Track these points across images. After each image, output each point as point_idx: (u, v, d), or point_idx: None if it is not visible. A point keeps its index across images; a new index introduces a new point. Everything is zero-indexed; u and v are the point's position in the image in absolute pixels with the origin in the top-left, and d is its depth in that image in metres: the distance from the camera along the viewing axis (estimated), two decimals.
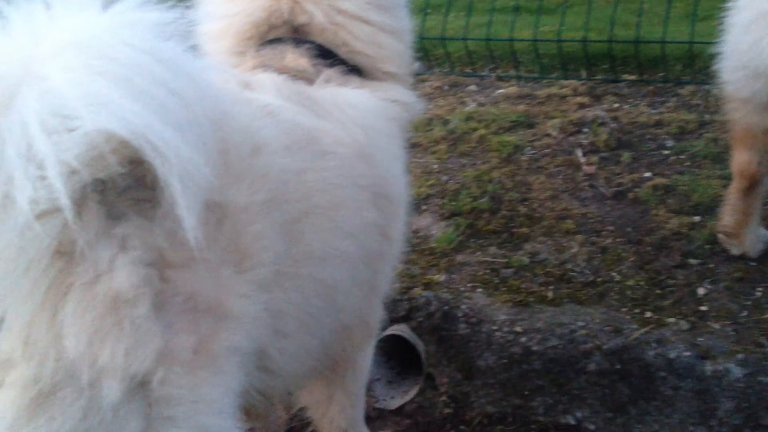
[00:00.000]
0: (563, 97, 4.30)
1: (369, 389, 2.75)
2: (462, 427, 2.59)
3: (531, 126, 3.94)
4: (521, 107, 4.17)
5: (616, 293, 2.80)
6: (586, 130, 3.84)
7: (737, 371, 2.41)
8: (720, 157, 3.40)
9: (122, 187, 1.18)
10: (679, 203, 3.20)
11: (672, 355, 2.49)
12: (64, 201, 1.05)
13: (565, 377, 2.57)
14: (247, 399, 1.62)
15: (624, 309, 2.73)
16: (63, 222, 1.10)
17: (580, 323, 2.66)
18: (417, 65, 4.89)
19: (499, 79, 4.68)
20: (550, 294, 2.82)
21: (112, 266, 1.15)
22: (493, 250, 3.08)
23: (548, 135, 3.83)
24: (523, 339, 2.66)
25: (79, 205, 1.12)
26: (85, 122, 1.07)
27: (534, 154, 3.69)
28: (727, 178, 2.97)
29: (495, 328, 2.71)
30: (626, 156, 3.58)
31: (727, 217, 2.88)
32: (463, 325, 2.75)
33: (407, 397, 2.71)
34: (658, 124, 3.87)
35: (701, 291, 2.75)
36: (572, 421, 2.52)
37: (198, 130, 1.19)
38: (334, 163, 1.72)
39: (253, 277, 1.41)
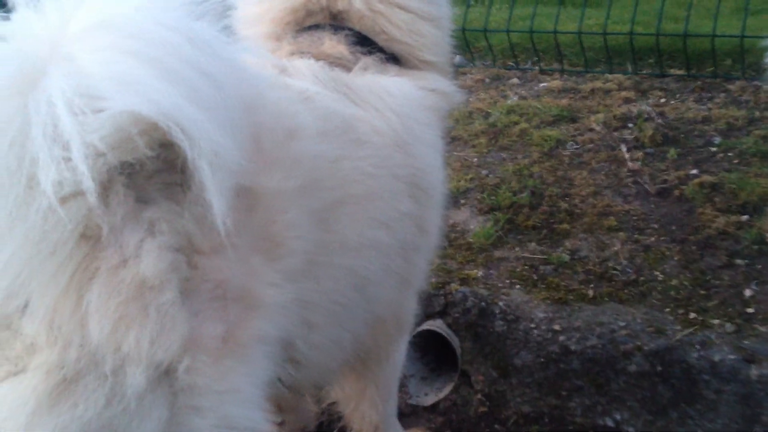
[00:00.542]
0: (608, 91, 4.20)
1: (402, 385, 2.71)
2: (497, 426, 2.54)
3: (574, 120, 3.86)
4: (564, 101, 4.08)
5: (659, 293, 2.72)
6: (631, 125, 3.75)
7: None
8: None
9: (152, 171, 1.15)
10: (726, 202, 3.10)
11: (716, 357, 2.41)
12: (88, 183, 1.02)
13: (604, 378, 2.50)
14: (274, 391, 1.59)
15: (667, 309, 2.65)
16: (89, 205, 1.07)
17: (621, 323, 2.59)
18: (458, 58, 4.83)
19: (542, 72, 4.59)
20: (590, 292, 2.75)
21: (139, 251, 1.12)
22: (532, 246, 3.01)
23: (592, 130, 3.74)
24: (562, 338, 2.59)
25: (105, 188, 1.10)
26: (112, 103, 1.04)
27: (576, 149, 3.60)
28: None
29: (533, 325, 2.65)
30: (672, 152, 3.48)
31: None
32: (500, 322, 2.69)
33: (441, 394, 2.66)
34: (706, 120, 3.76)
35: (748, 292, 2.66)
36: (611, 423, 2.45)
37: (229, 112, 1.16)
38: (370, 152, 1.68)
39: (284, 266, 1.37)
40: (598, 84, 4.30)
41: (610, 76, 4.40)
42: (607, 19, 4.61)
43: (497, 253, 3.00)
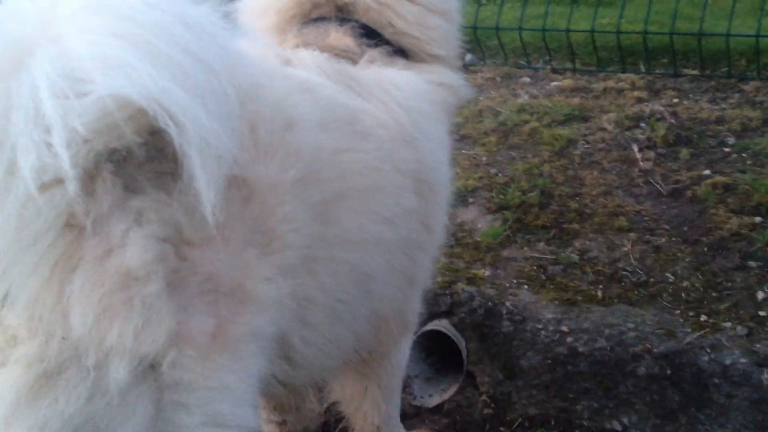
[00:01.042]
0: (620, 90, 4.15)
1: (406, 386, 2.66)
2: (502, 428, 2.49)
3: (585, 120, 3.81)
4: (576, 100, 4.03)
5: (670, 295, 2.67)
6: (643, 125, 3.69)
7: None
8: None
9: (141, 159, 1.11)
10: (739, 203, 3.04)
11: (727, 361, 2.35)
12: (68, 170, 0.98)
13: (612, 381, 2.45)
14: (269, 389, 1.55)
15: (677, 311, 2.59)
16: (75, 192, 1.03)
17: (630, 325, 2.53)
18: (469, 56, 4.78)
19: (554, 71, 4.54)
20: (599, 293, 2.70)
21: (125, 241, 1.08)
22: (541, 246, 2.96)
23: (603, 129, 3.69)
24: (570, 339, 2.54)
25: (91, 175, 1.06)
26: (97, 86, 1.00)
27: (588, 148, 3.55)
28: None
29: (540, 326, 2.60)
30: (685, 153, 3.42)
31: None
32: (506, 322, 2.64)
33: (446, 396, 2.61)
34: (720, 120, 3.70)
35: (760, 295, 2.60)
36: (618, 427, 2.40)
37: (222, 99, 1.11)
38: (374, 145, 1.64)
39: (280, 261, 1.33)
40: (611, 83, 4.24)
41: (622, 76, 4.35)
42: (620, 18, 4.55)
43: (505, 253, 2.95)
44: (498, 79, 4.52)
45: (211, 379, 1.17)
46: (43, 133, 0.98)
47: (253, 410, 1.28)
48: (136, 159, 1.10)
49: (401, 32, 1.94)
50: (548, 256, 2.89)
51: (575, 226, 3.03)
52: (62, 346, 1.06)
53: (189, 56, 1.07)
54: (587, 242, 2.94)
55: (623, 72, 4.41)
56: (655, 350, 2.44)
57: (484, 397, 2.57)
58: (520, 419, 2.50)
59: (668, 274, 2.75)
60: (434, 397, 2.63)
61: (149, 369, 1.11)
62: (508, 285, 2.79)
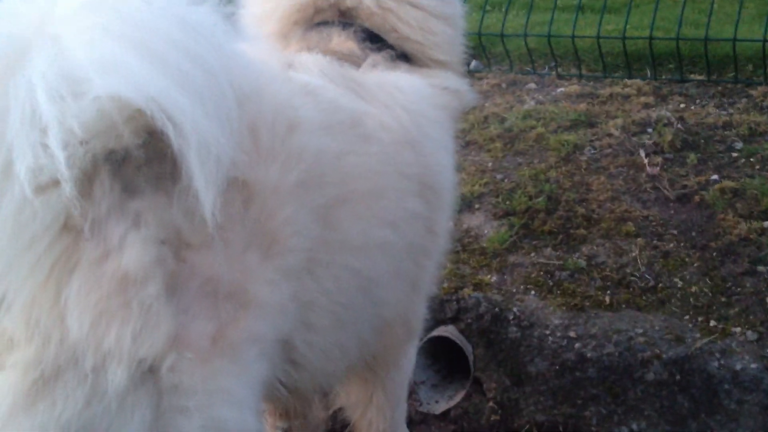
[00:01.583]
0: (627, 96, 4.13)
1: (412, 392, 2.64)
2: None
3: (592, 125, 3.79)
4: (582, 106, 4.01)
5: (679, 300, 2.64)
6: (650, 130, 3.67)
7: None
8: None
9: (141, 161, 1.10)
10: (747, 207, 3.02)
11: (737, 366, 2.33)
12: (64, 171, 0.97)
13: (621, 387, 2.42)
14: (274, 394, 1.53)
15: (686, 317, 2.57)
16: (72, 194, 1.02)
17: (639, 330, 2.51)
18: (474, 63, 4.78)
19: (560, 77, 4.53)
20: (607, 299, 2.68)
21: (123, 243, 1.07)
22: (548, 251, 2.94)
23: (610, 135, 3.67)
24: (577, 345, 2.52)
25: (89, 177, 1.04)
26: (94, 87, 0.99)
27: (594, 153, 3.53)
28: None
29: (547, 332, 2.58)
30: (692, 157, 3.40)
31: None
32: (513, 328, 2.62)
33: (453, 402, 2.59)
34: (727, 125, 3.67)
35: None
36: None
37: (221, 100, 1.10)
38: (378, 148, 1.62)
39: (282, 264, 1.31)
40: (617, 89, 4.23)
41: (628, 81, 4.33)
42: (626, 24, 4.54)
43: (512, 259, 2.93)
44: (503, 85, 4.51)
45: (211, 383, 1.15)
46: (40, 134, 0.97)
47: (255, 415, 1.26)
48: (135, 160, 1.09)
49: (404, 37, 1.93)
50: (555, 262, 2.87)
51: (582, 231, 3.01)
52: (59, 350, 1.05)
53: (188, 57, 1.07)
54: (594, 248, 2.92)
55: (629, 78, 4.39)
56: (664, 356, 2.42)
57: (491, 404, 2.54)
58: (527, 426, 2.47)
59: (677, 280, 2.73)
60: (441, 403, 2.61)
61: (148, 373, 1.09)
62: (514, 291, 2.77)
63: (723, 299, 2.61)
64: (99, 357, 1.05)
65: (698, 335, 2.46)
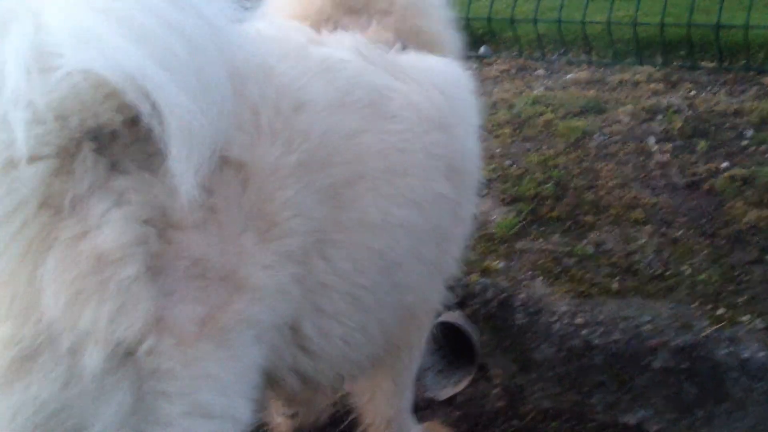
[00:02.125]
0: (637, 83, 4.10)
1: (418, 378, 2.63)
2: (515, 421, 2.45)
3: (601, 112, 3.76)
4: (591, 92, 3.98)
5: (687, 288, 2.63)
6: (660, 117, 3.65)
7: None
8: None
9: (129, 138, 1.07)
10: (757, 195, 2.99)
11: (745, 354, 2.31)
12: (21, 148, 0.95)
13: (627, 374, 2.41)
14: (286, 383, 1.50)
15: (694, 304, 2.55)
16: (49, 171, 1.00)
17: (646, 317, 2.50)
18: (483, 48, 4.75)
19: (569, 63, 4.50)
20: (614, 286, 2.66)
21: (102, 222, 1.04)
22: (555, 238, 2.92)
23: (619, 121, 3.64)
24: (584, 332, 2.50)
25: (71, 154, 1.02)
26: (67, 61, 0.96)
27: (603, 140, 3.51)
28: None
29: (554, 319, 2.57)
30: (702, 145, 3.37)
31: None
32: (520, 314, 2.61)
33: (458, 388, 2.58)
34: (738, 113, 3.64)
35: None
36: (633, 421, 2.36)
37: (209, 79, 1.07)
38: (401, 126, 1.59)
39: (281, 247, 1.28)
40: (627, 76, 4.19)
41: (639, 68, 4.30)
42: (637, 11, 4.50)
43: (519, 245, 2.91)
44: (513, 71, 4.48)
45: (195, 368, 1.13)
46: (12, 109, 0.96)
47: (245, 401, 1.24)
48: (123, 138, 1.07)
49: (428, 40, 1.91)
50: (563, 248, 2.86)
51: (590, 218, 2.99)
52: (37, 329, 1.02)
53: (173, 33, 1.03)
54: (603, 234, 2.90)
55: (640, 64, 4.36)
56: (671, 343, 2.40)
57: (497, 390, 2.53)
58: (533, 412, 2.46)
59: (685, 267, 2.71)
60: (447, 389, 2.60)
61: (126, 356, 1.06)
62: (522, 277, 2.75)
63: (731, 287, 2.59)
64: (75, 337, 1.03)
65: (706, 323, 2.45)
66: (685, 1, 4.67)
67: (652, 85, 4.03)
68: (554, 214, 3.03)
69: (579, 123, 3.63)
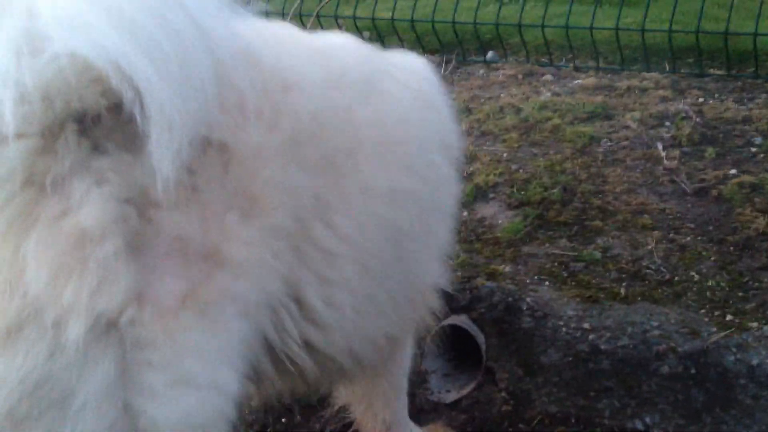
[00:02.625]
0: (644, 89, 4.09)
1: (423, 381, 2.62)
2: (521, 425, 2.44)
3: (609, 117, 3.75)
4: (599, 98, 3.98)
5: (695, 294, 2.61)
6: (668, 123, 3.64)
7: None
8: None
9: (113, 120, 1.09)
10: (766, 202, 2.98)
11: (754, 361, 2.29)
12: (7, 124, 0.99)
13: (635, 379, 2.40)
14: (301, 360, 1.48)
15: (702, 311, 2.54)
16: (33, 149, 1.03)
17: (654, 323, 2.48)
18: (490, 53, 4.75)
19: (577, 69, 4.49)
20: (622, 291, 2.65)
21: (83, 200, 1.07)
22: (562, 242, 2.91)
23: (627, 127, 3.63)
24: (592, 336, 2.49)
25: (54, 134, 1.05)
26: (54, 45, 0.99)
27: (611, 146, 3.50)
28: None
29: (561, 323, 2.55)
30: (710, 152, 3.36)
31: None
32: (527, 318, 2.59)
33: (464, 391, 2.56)
34: (747, 120, 3.63)
35: None
36: (641, 427, 2.34)
37: (191, 67, 1.09)
38: (397, 104, 1.64)
39: (266, 223, 1.29)
40: (635, 82, 4.19)
41: (646, 75, 4.29)
42: (645, 17, 4.50)
43: (526, 249, 2.90)
44: (520, 76, 4.48)
45: (177, 339, 1.15)
46: (2, 88, 0.99)
47: (231, 372, 1.24)
48: (106, 122, 1.09)
49: None
50: (570, 253, 2.84)
51: (598, 223, 2.98)
52: (23, 303, 1.05)
53: (159, 23, 1.06)
54: (610, 240, 2.89)
55: (648, 71, 4.35)
56: (679, 349, 2.39)
57: (502, 394, 2.51)
58: (539, 416, 2.44)
59: (693, 273, 2.70)
60: (452, 392, 2.58)
61: (109, 327, 1.09)
62: (528, 281, 2.74)
63: (740, 293, 2.57)
64: (59, 311, 1.05)
65: (714, 329, 2.43)
66: (694, 8, 4.67)
67: (660, 92, 4.03)
68: (561, 218, 3.02)
69: (586, 128, 3.62)
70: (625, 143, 3.50)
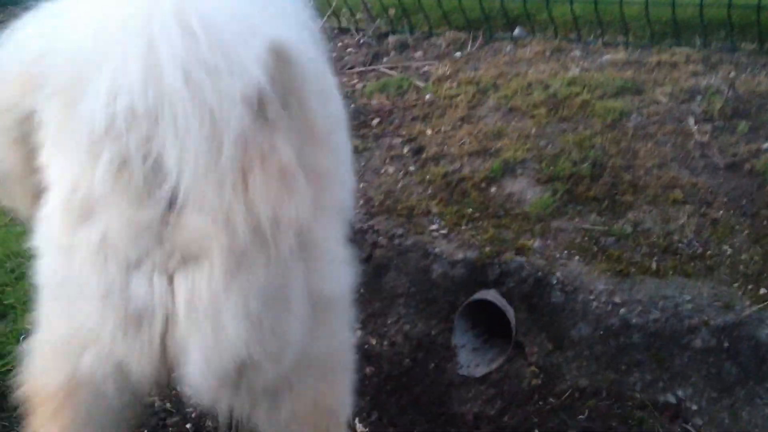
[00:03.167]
0: (675, 64, 4.02)
1: (453, 355, 2.62)
2: (551, 399, 2.42)
3: (639, 92, 3.70)
4: (629, 73, 3.91)
5: (727, 267, 2.58)
6: (699, 98, 3.57)
7: None
8: None
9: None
10: None
11: None
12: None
13: (666, 353, 2.37)
14: None
15: (735, 284, 2.50)
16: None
17: (686, 297, 2.45)
18: (517, 30, 4.70)
19: (606, 45, 4.42)
20: (653, 265, 2.62)
21: (274, 147, 1.32)
22: (592, 217, 2.88)
23: (657, 102, 3.58)
24: (622, 310, 2.47)
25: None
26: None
27: (641, 120, 3.45)
28: None
29: (592, 297, 2.53)
30: (743, 126, 3.30)
31: None
32: (557, 293, 2.57)
33: (493, 366, 2.56)
34: None
35: None
36: (672, 400, 2.32)
37: None
38: None
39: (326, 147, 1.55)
40: (665, 57, 4.11)
41: (677, 50, 4.21)
42: None
43: (555, 224, 2.88)
44: (548, 53, 4.41)
45: (326, 234, 1.51)
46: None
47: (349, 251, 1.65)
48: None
49: None
50: (600, 228, 2.82)
51: (628, 197, 2.94)
52: (246, 228, 1.28)
53: None
54: (641, 214, 2.86)
55: (678, 46, 4.28)
56: (711, 323, 2.36)
57: (532, 368, 2.50)
58: (569, 390, 2.43)
59: (726, 247, 2.66)
60: (481, 367, 2.57)
61: (301, 234, 1.37)
62: (558, 256, 2.72)
63: None
64: (276, 230, 1.31)
65: (747, 303, 2.40)
66: None
67: (690, 67, 3.95)
68: (591, 193, 2.99)
69: (616, 104, 3.57)
70: (656, 118, 3.45)
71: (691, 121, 3.38)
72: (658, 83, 3.78)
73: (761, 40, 4.18)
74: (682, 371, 2.34)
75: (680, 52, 4.18)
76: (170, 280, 1.31)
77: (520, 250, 2.75)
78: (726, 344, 2.32)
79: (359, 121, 3.80)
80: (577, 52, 4.37)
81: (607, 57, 4.21)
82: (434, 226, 2.96)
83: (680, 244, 2.70)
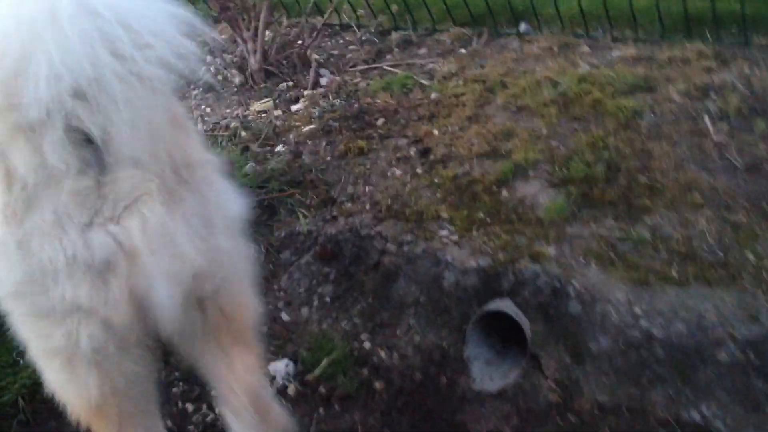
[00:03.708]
0: (686, 60, 3.90)
1: (465, 368, 2.51)
2: (570, 416, 2.33)
3: (651, 90, 3.59)
4: (640, 70, 3.80)
5: (751, 275, 2.47)
6: (713, 95, 3.47)
7: None
8: None
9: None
10: None
11: None
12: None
13: (690, 367, 2.27)
14: None
15: (761, 293, 2.40)
16: None
17: (710, 307, 2.35)
18: (523, 25, 4.58)
19: (615, 40, 4.31)
20: (674, 273, 2.51)
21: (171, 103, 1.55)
22: (608, 222, 2.78)
23: (671, 100, 3.47)
24: (644, 322, 2.36)
25: None
26: None
27: (655, 120, 3.34)
28: None
29: (611, 308, 2.43)
30: (761, 124, 3.19)
31: None
32: (574, 303, 2.47)
33: (508, 380, 2.45)
34: None
35: None
36: (697, 418, 2.22)
37: None
38: None
39: None
40: (676, 52, 4.00)
41: (688, 45, 4.10)
42: None
43: (570, 230, 2.77)
44: (555, 48, 4.30)
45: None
46: None
47: None
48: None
49: None
50: (617, 233, 2.71)
51: (645, 201, 2.84)
52: (169, 171, 1.54)
53: None
54: (659, 218, 2.75)
55: (689, 41, 4.16)
56: (737, 335, 2.26)
57: (549, 382, 2.40)
58: (588, 406, 2.33)
59: (749, 253, 2.55)
60: (496, 381, 2.47)
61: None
62: (574, 263, 2.61)
63: None
64: (186, 167, 1.59)
65: None
66: None
67: (703, 62, 3.84)
68: (606, 197, 2.88)
69: (628, 102, 3.46)
70: (670, 117, 3.34)
71: (707, 119, 3.27)
72: (671, 80, 3.67)
73: None
74: (706, 387, 2.24)
75: (691, 46, 4.07)
76: (122, 226, 1.45)
77: (535, 258, 2.65)
78: (753, 358, 2.22)
79: (363, 121, 3.69)
80: (585, 48, 4.25)
81: (616, 53, 4.10)
82: (444, 232, 2.86)
83: (701, 250, 2.59)
